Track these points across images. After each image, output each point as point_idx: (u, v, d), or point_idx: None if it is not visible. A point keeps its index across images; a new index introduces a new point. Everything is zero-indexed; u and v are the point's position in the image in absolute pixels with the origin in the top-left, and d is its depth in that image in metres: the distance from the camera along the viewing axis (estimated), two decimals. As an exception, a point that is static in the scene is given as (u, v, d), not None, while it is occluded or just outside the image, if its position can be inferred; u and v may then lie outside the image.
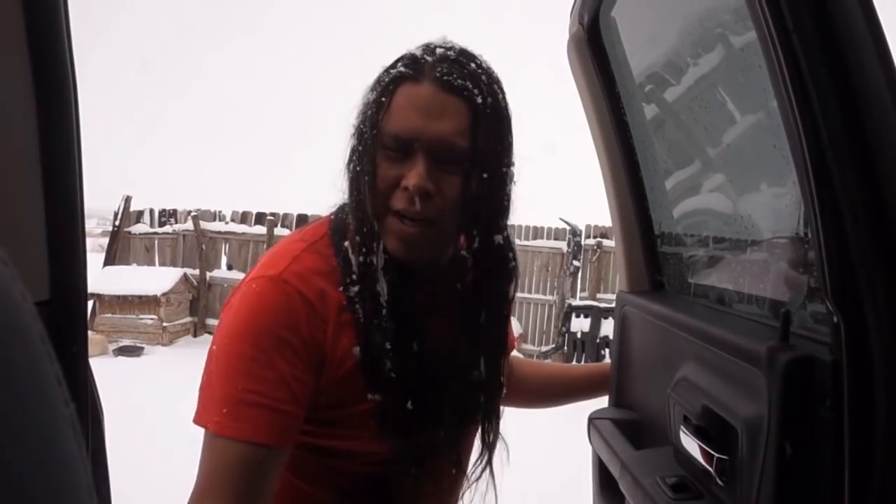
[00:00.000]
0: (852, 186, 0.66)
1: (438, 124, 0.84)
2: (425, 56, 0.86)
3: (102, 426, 0.79)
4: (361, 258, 0.88)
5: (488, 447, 1.03)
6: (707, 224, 1.28)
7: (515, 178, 0.94)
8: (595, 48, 1.37)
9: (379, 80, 0.88)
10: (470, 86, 0.85)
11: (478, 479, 1.04)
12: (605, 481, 1.33)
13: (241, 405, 0.82)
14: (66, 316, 0.63)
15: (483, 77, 0.87)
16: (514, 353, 1.28)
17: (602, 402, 1.44)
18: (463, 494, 1.06)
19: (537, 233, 8.59)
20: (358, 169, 0.89)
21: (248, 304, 0.86)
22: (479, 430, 1.04)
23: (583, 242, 8.38)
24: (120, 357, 7.31)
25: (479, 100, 0.85)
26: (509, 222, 0.96)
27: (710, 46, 1.11)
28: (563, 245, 8.44)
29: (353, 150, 0.90)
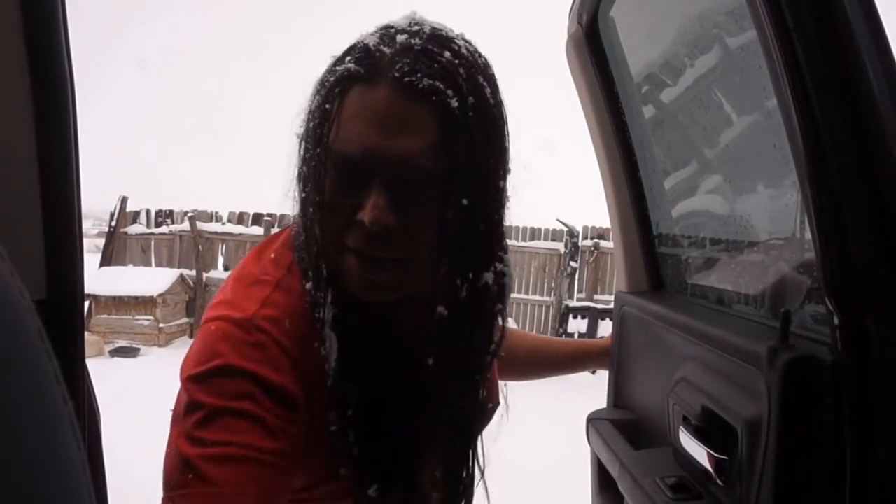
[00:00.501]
0: (852, 186, 0.66)
1: (400, 141, 0.63)
2: (381, 46, 0.65)
3: (99, 427, 0.78)
4: (317, 302, 0.71)
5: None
6: (706, 224, 1.28)
7: (510, 193, 0.73)
8: (594, 48, 1.37)
9: (323, 81, 0.68)
10: (441, 85, 0.64)
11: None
12: (604, 482, 1.33)
13: (211, 467, 0.64)
14: (62, 316, 0.62)
15: (461, 70, 0.65)
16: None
17: (601, 402, 1.44)
18: None
19: (534, 234, 8.60)
20: (304, 195, 0.70)
21: (213, 352, 0.68)
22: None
23: (580, 243, 8.39)
24: (116, 358, 7.29)
25: (456, 102, 0.64)
26: (505, 244, 0.77)
27: (709, 46, 1.11)
28: (560, 246, 8.45)
29: (299, 170, 0.71)
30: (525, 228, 8.58)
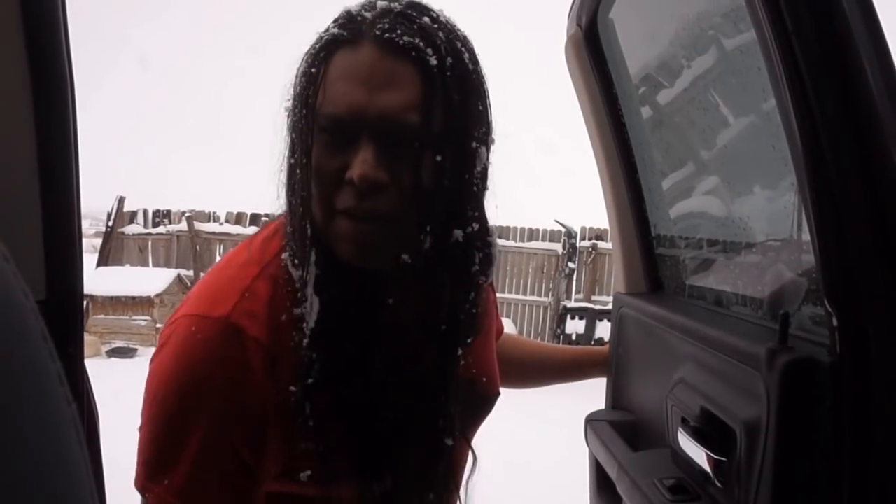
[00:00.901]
0: (851, 188, 0.66)
1: (384, 97, 0.65)
2: (363, 11, 0.68)
3: (98, 428, 0.78)
4: (303, 274, 0.70)
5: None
6: (705, 226, 1.28)
7: (491, 155, 0.74)
8: (593, 50, 1.37)
9: (309, 50, 0.70)
10: (421, 44, 0.66)
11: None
12: (602, 483, 1.33)
13: (190, 482, 0.66)
14: (62, 316, 0.62)
15: (440, 33, 0.68)
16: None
17: (599, 403, 1.44)
18: None
19: (532, 234, 8.60)
20: (291, 161, 0.71)
21: (186, 351, 0.68)
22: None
23: (578, 244, 8.39)
24: (113, 358, 7.27)
25: (435, 60, 0.66)
26: (495, 219, 0.78)
27: (708, 48, 1.11)
28: (558, 247, 8.46)
29: (288, 139, 0.71)
30: (523, 229, 8.59)
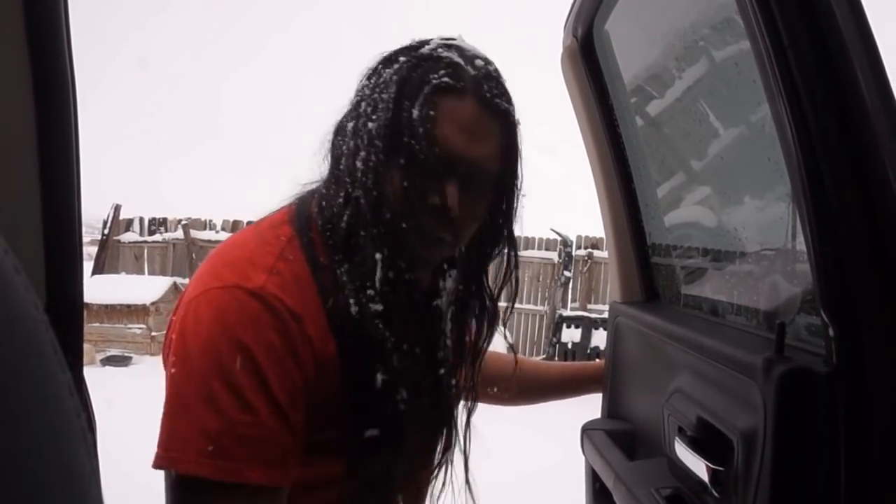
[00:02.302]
0: (846, 199, 0.66)
1: (479, 147, 0.78)
2: (466, 65, 0.78)
3: (95, 437, 0.78)
4: (356, 260, 0.78)
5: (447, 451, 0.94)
6: (700, 235, 1.29)
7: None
8: (589, 61, 1.38)
9: (412, 83, 0.77)
10: (510, 108, 0.80)
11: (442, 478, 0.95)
12: (598, 492, 1.33)
13: (232, 440, 0.68)
14: (61, 325, 0.62)
15: (510, 97, 0.82)
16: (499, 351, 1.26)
17: (595, 412, 1.44)
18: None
19: (528, 243, 8.61)
20: (378, 172, 0.78)
21: (227, 319, 0.71)
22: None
23: (574, 253, 8.41)
24: (107, 367, 7.24)
25: (514, 123, 0.81)
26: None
27: (703, 60, 1.12)
28: (554, 255, 8.47)
29: (371, 151, 0.78)
30: (519, 237, 8.59)
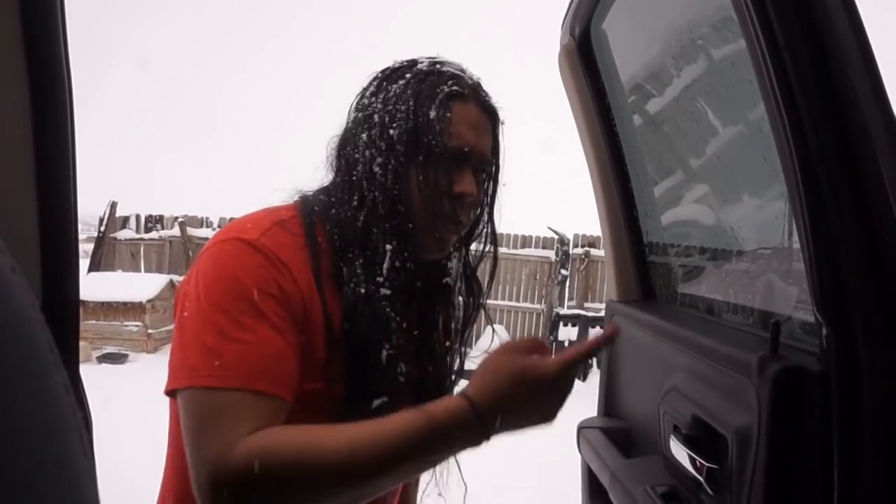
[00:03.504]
0: (841, 200, 0.67)
1: (482, 141, 0.94)
2: (465, 78, 0.95)
3: (92, 435, 0.78)
4: (380, 253, 0.90)
5: None
6: (696, 234, 1.29)
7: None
8: (586, 60, 1.38)
9: (429, 95, 0.91)
10: (497, 111, 0.98)
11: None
12: (594, 490, 1.33)
13: (236, 355, 0.78)
14: (57, 323, 0.62)
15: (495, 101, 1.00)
16: None
17: (591, 410, 1.44)
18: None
19: (525, 241, 8.61)
20: (398, 172, 0.90)
21: (227, 263, 0.84)
22: None
23: (571, 251, 8.41)
24: (104, 364, 7.22)
25: (500, 122, 0.99)
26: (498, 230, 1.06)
27: (699, 60, 1.13)
28: (551, 254, 8.48)
29: (390, 155, 0.90)
30: (516, 236, 8.60)
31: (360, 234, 0.90)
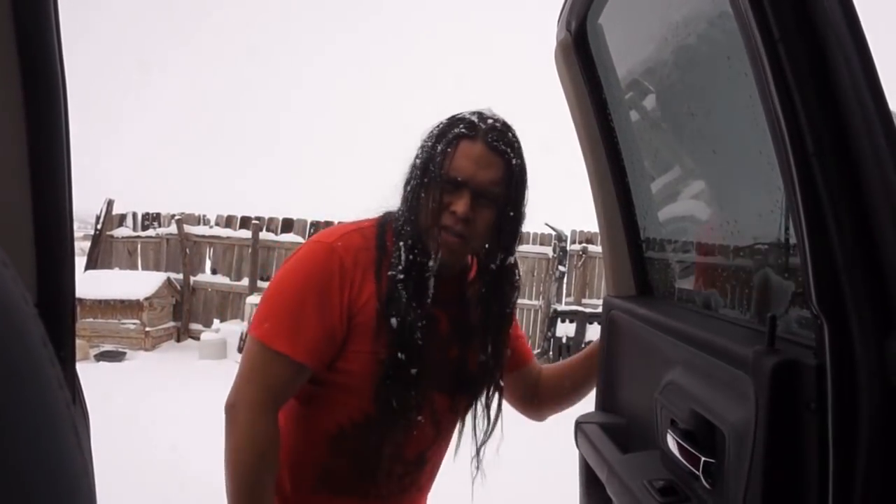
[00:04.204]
0: (837, 194, 0.67)
1: (484, 173, 1.18)
2: (480, 123, 1.20)
3: (89, 432, 0.78)
4: (405, 250, 1.20)
5: (491, 419, 1.33)
6: (693, 230, 1.29)
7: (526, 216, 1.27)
8: (582, 55, 1.38)
9: (442, 135, 1.21)
10: (508, 150, 1.20)
11: (484, 444, 1.33)
12: (591, 485, 1.33)
13: (277, 320, 1.18)
14: (53, 321, 0.62)
15: (516, 144, 1.22)
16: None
17: (589, 405, 1.44)
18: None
19: (523, 238, 8.57)
20: (419, 194, 1.20)
21: (303, 259, 1.22)
22: (460, 421, 1.34)
23: (568, 248, 8.41)
24: (101, 362, 7.21)
25: (513, 161, 1.20)
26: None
27: (695, 54, 1.13)
28: (548, 250, 8.47)
29: (414, 181, 1.22)
30: (514, 233, 8.59)
31: (397, 236, 1.22)
